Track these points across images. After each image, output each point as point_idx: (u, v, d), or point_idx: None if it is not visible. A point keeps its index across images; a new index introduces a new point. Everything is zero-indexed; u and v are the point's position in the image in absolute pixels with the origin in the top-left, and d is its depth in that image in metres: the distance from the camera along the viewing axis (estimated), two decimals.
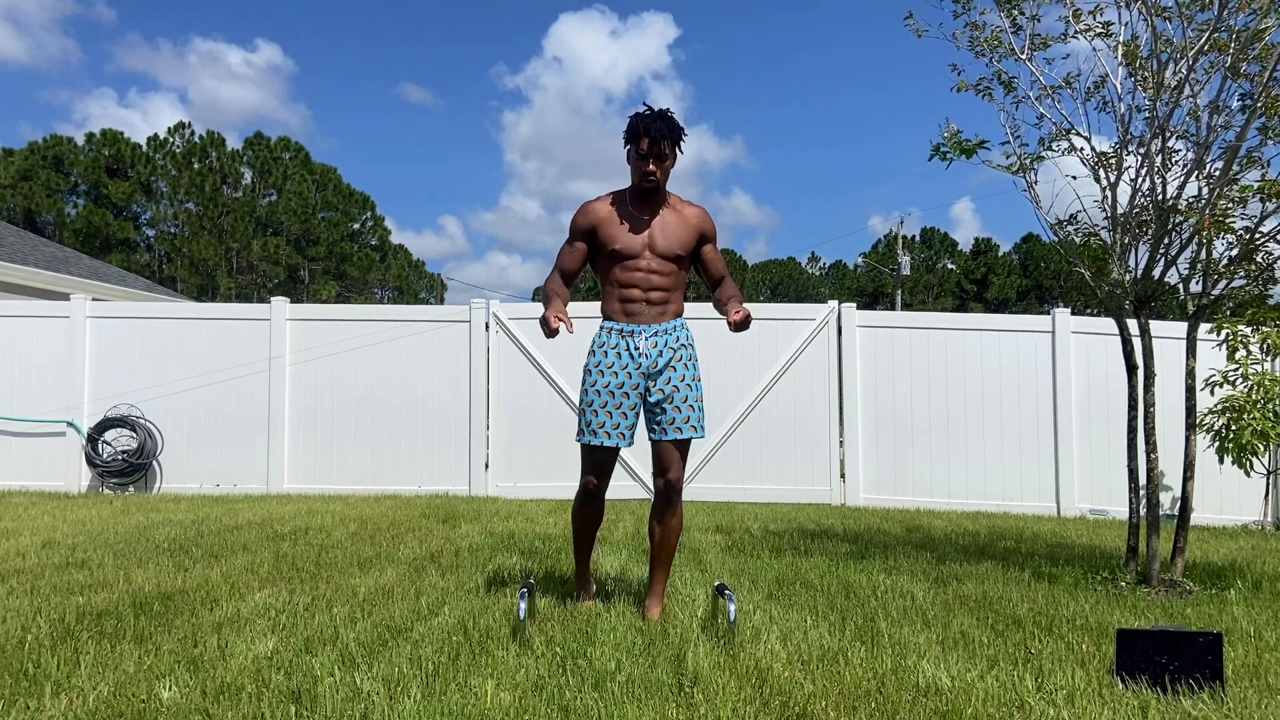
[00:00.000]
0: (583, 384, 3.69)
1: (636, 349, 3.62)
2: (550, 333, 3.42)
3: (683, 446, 3.67)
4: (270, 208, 50.75)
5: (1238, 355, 5.09)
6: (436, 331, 9.54)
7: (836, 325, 9.43)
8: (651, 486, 3.81)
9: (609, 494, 3.90)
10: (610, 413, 3.60)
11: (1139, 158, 4.84)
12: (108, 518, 6.91)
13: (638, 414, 3.67)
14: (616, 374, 3.61)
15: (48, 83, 79.15)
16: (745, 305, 3.59)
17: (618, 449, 3.67)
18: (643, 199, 3.68)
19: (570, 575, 4.47)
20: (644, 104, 3.68)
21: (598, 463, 3.67)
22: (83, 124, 78.58)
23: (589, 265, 3.81)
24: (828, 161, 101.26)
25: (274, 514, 7.16)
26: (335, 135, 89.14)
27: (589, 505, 3.76)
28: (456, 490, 9.24)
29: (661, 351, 3.63)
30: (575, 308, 9.37)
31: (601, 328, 3.71)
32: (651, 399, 3.64)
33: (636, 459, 8.79)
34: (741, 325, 3.48)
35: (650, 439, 3.71)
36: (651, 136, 3.54)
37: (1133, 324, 5.00)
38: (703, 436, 3.77)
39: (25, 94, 76.29)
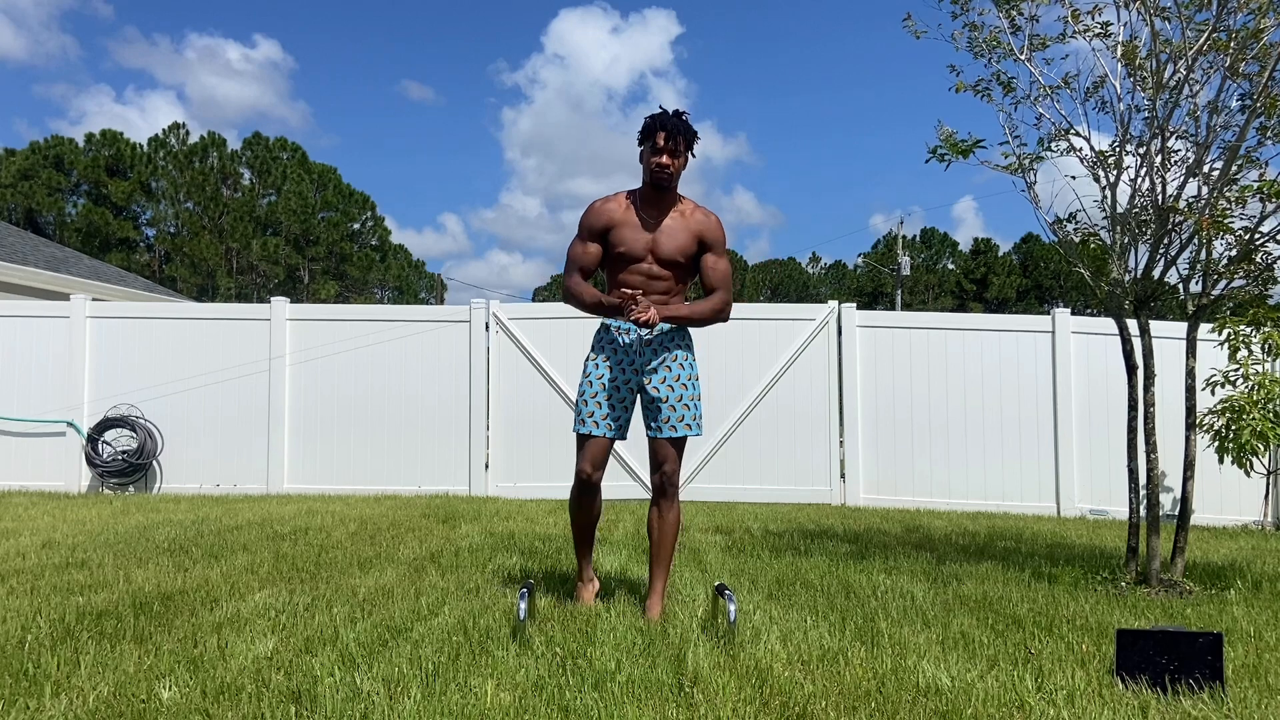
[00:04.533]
0: (582, 376, 3.79)
1: (630, 346, 3.73)
2: (629, 304, 3.48)
3: (678, 443, 3.76)
4: (270, 208, 50.75)
5: (1239, 355, 5.10)
6: (436, 331, 9.54)
7: (836, 325, 9.43)
8: (649, 484, 3.88)
9: (608, 494, 3.98)
10: (601, 404, 3.71)
11: (1138, 158, 4.85)
12: (108, 518, 6.91)
13: (629, 408, 3.77)
14: (611, 368, 3.73)
15: (44, 79, 79.18)
16: (678, 314, 3.68)
17: (611, 440, 3.76)
18: (653, 200, 3.73)
19: (570, 575, 4.49)
20: (660, 106, 3.75)
21: (592, 452, 3.73)
22: (79, 121, 78.46)
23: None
24: (831, 160, 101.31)
25: (274, 514, 7.17)
26: (335, 132, 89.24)
27: (585, 495, 3.79)
28: (456, 490, 9.24)
29: (656, 350, 3.73)
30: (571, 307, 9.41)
31: (601, 324, 3.82)
32: (648, 397, 3.74)
33: (635, 458, 8.79)
34: (643, 323, 3.50)
35: (648, 435, 3.80)
36: (668, 130, 3.62)
37: (1133, 324, 5.00)
38: (699, 434, 3.86)
39: (21, 91, 76.29)
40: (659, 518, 3.79)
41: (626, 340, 3.74)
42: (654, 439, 3.76)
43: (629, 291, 3.53)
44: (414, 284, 59.77)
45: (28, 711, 2.58)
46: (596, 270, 3.82)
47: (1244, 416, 4.93)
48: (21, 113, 76.76)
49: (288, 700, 2.65)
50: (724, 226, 3.80)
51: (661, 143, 3.62)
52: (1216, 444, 5.09)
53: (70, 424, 9.38)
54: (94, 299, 10.01)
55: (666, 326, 3.75)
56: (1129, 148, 4.87)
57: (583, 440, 3.74)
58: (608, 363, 3.73)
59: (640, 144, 3.72)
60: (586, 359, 3.79)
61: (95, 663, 3.01)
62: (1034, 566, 5.21)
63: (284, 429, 9.42)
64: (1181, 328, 5.97)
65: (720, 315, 3.79)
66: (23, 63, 74.23)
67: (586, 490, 3.77)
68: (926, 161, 5.13)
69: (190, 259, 48.40)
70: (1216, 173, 4.72)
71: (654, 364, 3.71)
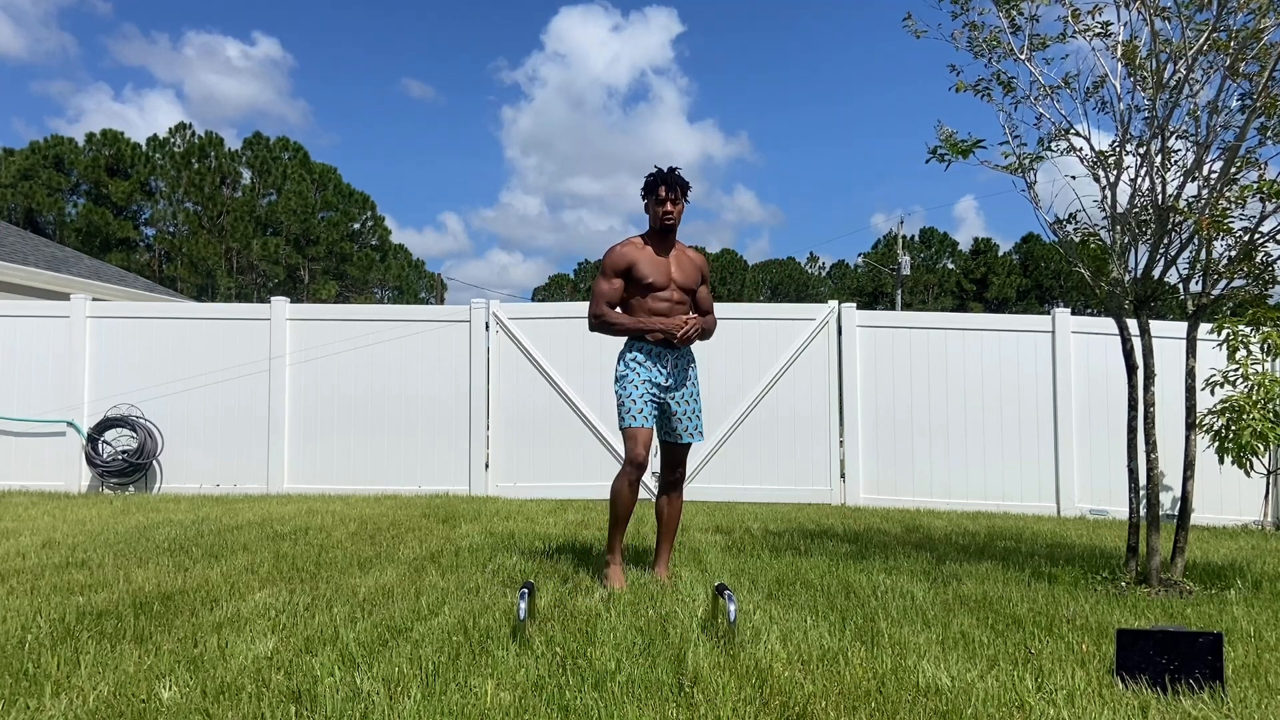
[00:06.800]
0: (624, 383, 4.40)
1: (664, 367, 4.43)
2: (679, 328, 4.31)
3: (689, 447, 4.61)
4: (270, 208, 50.74)
5: (1238, 355, 5.09)
6: (436, 331, 9.55)
7: (836, 325, 9.43)
8: (659, 478, 4.70)
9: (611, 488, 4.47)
10: (648, 402, 4.40)
11: (1138, 158, 4.84)
12: (108, 518, 6.91)
13: (659, 408, 4.50)
14: (650, 378, 4.42)
15: (42, 77, 79.00)
16: (711, 319, 4.59)
17: (652, 431, 4.43)
18: (661, 240, 4.48)
19: (569, 573, 4.51)
20: (654, 166, 4.51)
21: (644, 440, 4.37)
22: (78, 119, 78.03)
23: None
24: (832, 159, 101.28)
25: (274, 514, 7.17)
26: (335, 131, 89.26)
27: (636, 475, 4.35)
28: (456, 490, 9.24)
29: (681, 369, 4.50)
30: (571, 307, 9.43)
31: (632, 345, 4.44)
32: (669, 411, 4.48)
33: None
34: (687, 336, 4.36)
35: (663, 441, 4.56)
36: (667, 184, 4.39)
37: (1133, 324, 5.00)
38: (703, 440, 4.67)
39: (20, 89, 76.15)
40: (669, 504, 4.62)
41: (661, 362, 4.41)
42: (672, 444, 4.54)
43: (679, 319, 4.35)
44: (414, 284, 59.77)
45: (28, 711, 2.58)
46: (618, 302, 4.51)
47: (1244, 416, 4.93)
48: (19, 111, 76.65)
49: (288, 700, 2.65)
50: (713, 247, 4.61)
51: (664, 194, 4.39)
52: (1216, 444, 5.08)
53: (70, 424, 9.38)
54: (94, 299, 10.01)
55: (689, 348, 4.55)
56: (1129, 148, 4.87)
57: (634, 432, 4.35)
58: (649, 370, 4.40)
59: (645, 198, 4.46)
60: (624, 369, 4.41)
61: (95, 663, 3.02)
62: (1034, 566, 5.21)
63: (284, 429, 9.42)
64: (1181, 328, 5.97)
65: (713, 331, 4.61)
66: (21, 61, 74.20)
67: (637, 473, 4.36)
68: (927, 161, 5.13)
69: (190, 259, 48.38)
70: (1216, 173, 4.72)
71: (678, 381, 4.47)
